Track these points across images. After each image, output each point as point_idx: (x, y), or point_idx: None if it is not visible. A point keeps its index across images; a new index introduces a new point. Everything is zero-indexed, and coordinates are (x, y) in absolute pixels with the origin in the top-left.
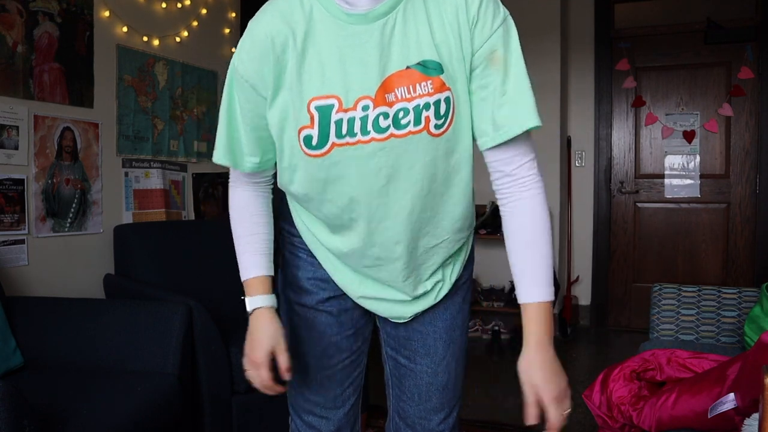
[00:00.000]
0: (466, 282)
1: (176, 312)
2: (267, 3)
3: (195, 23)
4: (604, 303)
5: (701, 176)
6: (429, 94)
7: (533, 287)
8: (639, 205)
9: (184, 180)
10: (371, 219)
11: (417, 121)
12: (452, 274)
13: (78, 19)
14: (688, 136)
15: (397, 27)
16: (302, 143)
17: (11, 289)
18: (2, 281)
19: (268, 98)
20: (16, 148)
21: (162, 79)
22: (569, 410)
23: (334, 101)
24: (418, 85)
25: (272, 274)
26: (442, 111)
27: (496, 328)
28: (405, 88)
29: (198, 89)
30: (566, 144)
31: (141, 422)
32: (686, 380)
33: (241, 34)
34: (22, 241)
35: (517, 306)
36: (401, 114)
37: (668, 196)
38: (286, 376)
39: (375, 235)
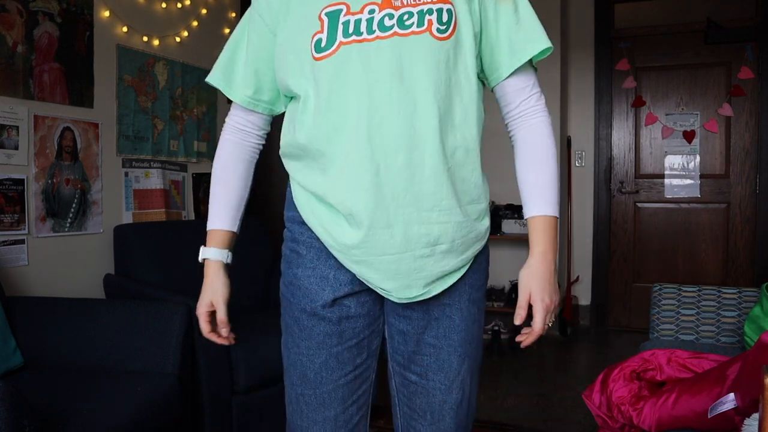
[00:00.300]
0: (480, 288)
1: (176, 312)
2: None
3: (195, 23)
4: (604, 303)
5: (701, 176)
6: (432, 2)
7: (541, 202)
8: (639, 205)
9: (184, 180)
10: (379, 136)
11: (420, 23)
12: (470, 248)
13: (78, 19)
14: (688, 136)
15: None
16: (313, 49)
17: (11, 289)
18: (2, 281)
19: (278, 28)
20: (16, 148)
21: (162, 79)
22: (553, 322)
23: (343, 6)
24: None
25: (234, 230)
26: (444, 19)
27: (496, 328)
28: None
29: (198, 89)
30: (566, 144)
31: (141, 422)
32: (686, 380)
33: None
34: (22, 241)
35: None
36: (406, 16)
37: (668, 196)
38: (223, 331)
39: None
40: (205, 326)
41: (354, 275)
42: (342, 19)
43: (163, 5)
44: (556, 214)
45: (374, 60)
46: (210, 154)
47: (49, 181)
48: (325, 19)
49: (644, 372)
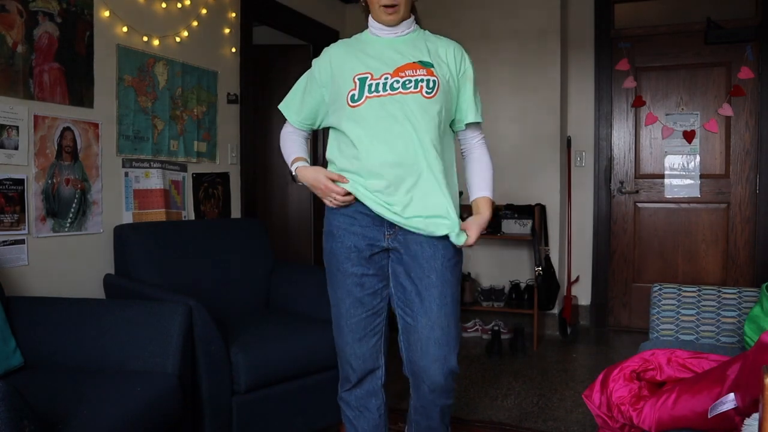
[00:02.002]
0: (452, 260)
1: (176, 312)
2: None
3: (195, 23)
4: (604, 303)
5: (701, 176)
6: (423, 75)
7: (485, 189)
8: (639, 205)
9: (184, 180)
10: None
11: (415, 86)
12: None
13: (78, 19)
14: (688, 136)
15: (409, 44)
16: (348, 100)
17: (11, 289)
18: (2, 281)
19: (329, 85)
20: (16, 148)
21: (162, 79)
22: (473, 244)
23: (368, 75)
24: (417, 69)
25: (306, 156)
26: (430, 85)
27: (496, 328)
28: (411, 70)
29: (198, 89)
30: (566, 144)
31: (141, 422)
32: (686, 380)
33: (242, 34)
34: (22, 241)
35: (517, 306)
36: (407, 82)
37: (668, 196)
38: (343, 180)
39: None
40: (334, 187)
41: (368, 242)
42: (368, 82)
43: (163, 5)
44: (493, 197)
45: (387, 106)
46: (210, 154)
47: (49, 181)
48: (358, 83)
49: (644, 372)
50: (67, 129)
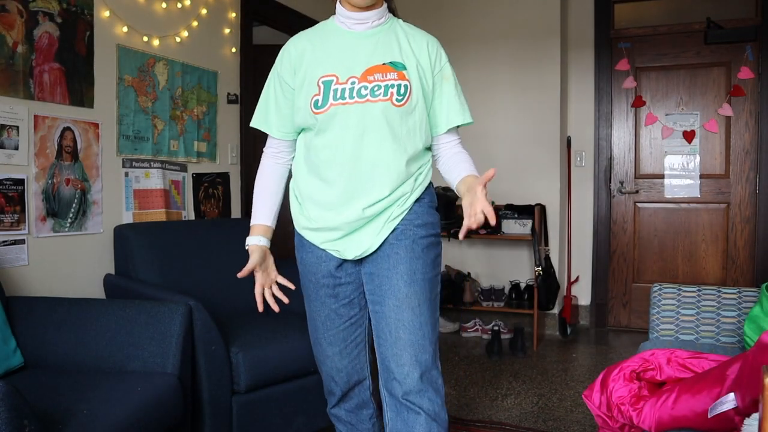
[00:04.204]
0: (424, 239)
1: (176, 312)
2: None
3: (195, 23)
4: (604, 303)
5: (701, 176)
6: (394, 80)
7: (470, 170)
8: (639, 205)
9: (184, 180)
10: (351, 160)
11: (385, 93)
12: (403, 204)
13: (78, 19)
14: (688, 136)
15: (379, 40)
16: (312, 106)
17: (11, 289)
18: (2, 281)
19: (295, 85)
20: (16, 148)
21: (162, 79)
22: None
23: (333, 78)
24: (388, 73)
25: (269, 224)
26: (401, 91)
27: (496, 328)
28: (380, 74)
29: (198, 89)
30: (566, 144)
31: (141, 422)
32: (686, 380)
33: (242, 34)
34: (22, 241)
35: (517, 306)
36: (376, 88)
37: (668, 196)
38: (271, 286)
39: (354, 171)
40: (259, 297)
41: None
42: (333, 87)
43: (163, 5)
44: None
45: (352, 116)
46: (210, 154)
47: (49, 181)
48: (322, 87)
49: (644, 372)
50: (67, 129)
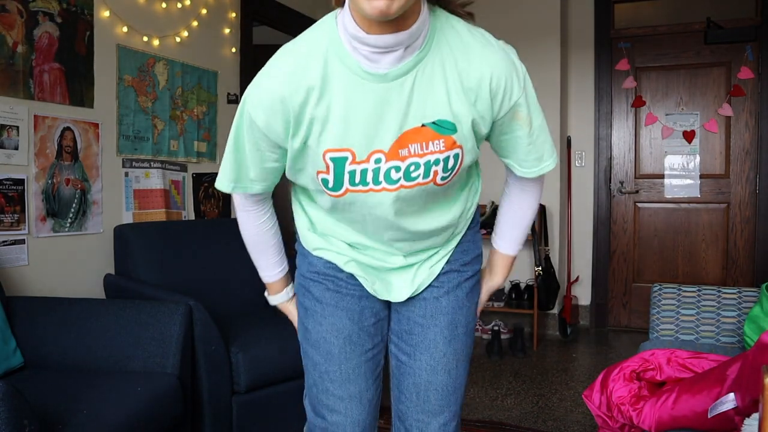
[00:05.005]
0: (470, 279)
1: (176, 312)
2: (282, 51)
3: (195, 23)
4: (604, 303)
5: (701, 176)
6: (440, 152)
7: (513, 242)
8: (639, 205)
9: (184, 180)
10: (377, 230)
11: (426, 175)
12: (447, 245)
13: (78, 19)
14: (688, 136)
15: (416, 86)
16: (320, 183)
17: (11, 289)
18: (2, 281)
19: (286, 142)
20: (16, 148)
21: (162, 79)
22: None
23: (348, 154)
24: (431, 142)
25: (284, 273)
26: (450, 165)
27: (496, 328)
28: (418, 144)
29: (198, 89)
30: (566, 144)
31: (141, 422)
32: (686, 380)
33: (242, 34)
34: (22, 241)
35: (517, 306)
36: (412, 168)
37: (668, 196)
38: None
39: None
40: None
41: None
42: (348, 168)
43: (163, 5)
44: (516, 253)
45: (380, 206)
46: (210, 154)
47: (49, 181)
48: (331, 165)
49: (644, 372)
50: (67, 129)
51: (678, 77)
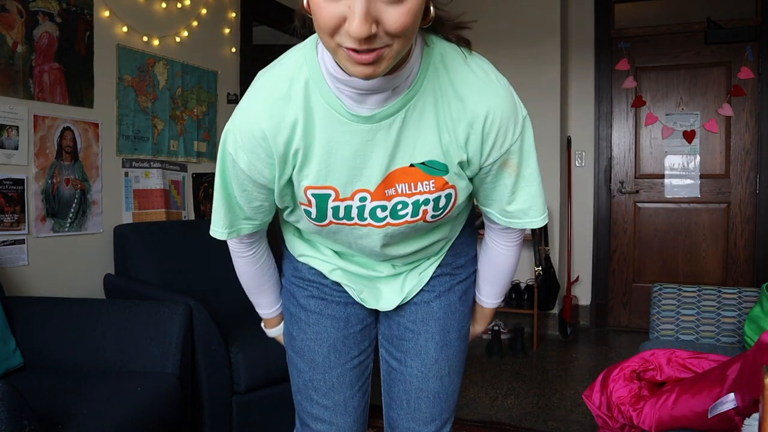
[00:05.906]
0: (464, 282)
1: (176, 312)
2: (259, 83)
3: (195, 23)
4: (604, 303)
5: (701, 176)
6: (430, 192)
7: (495, 296)
8: (639, 205)
9: (184, 180)
10: (363, 251)
11: (415, 214)
12: (439, 253)
13: (78, 19)
14: (688, 136)
15: (405, 127)
16: (304, 213)
17: (11, 289)
18: (2, 281)
19: (273, 183)
20: (16, 148)
21: (162, 79)
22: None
23: (331, 191)
24: (420, 183)
25: (280, 309)
26: (441, 204)
27: (496, 328)
28: (406, 184)
29: (198, 89)
30: (566, 144)
31: (141, 422)
32: (686, 380)
33: (242, 34)
34: (22, 241)
35: (517, 306)
36: (399, 206)
37: (668, 196)
38: None
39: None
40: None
41: None
42: (331, 204)
43: (163, 5)
44: (499, 305)
45: (367, 238)
46: (210, 154)
47: (49, 181)
48: (313, 200)
49: (644, 372)
50: (67, 129)
51: (678, 77)
